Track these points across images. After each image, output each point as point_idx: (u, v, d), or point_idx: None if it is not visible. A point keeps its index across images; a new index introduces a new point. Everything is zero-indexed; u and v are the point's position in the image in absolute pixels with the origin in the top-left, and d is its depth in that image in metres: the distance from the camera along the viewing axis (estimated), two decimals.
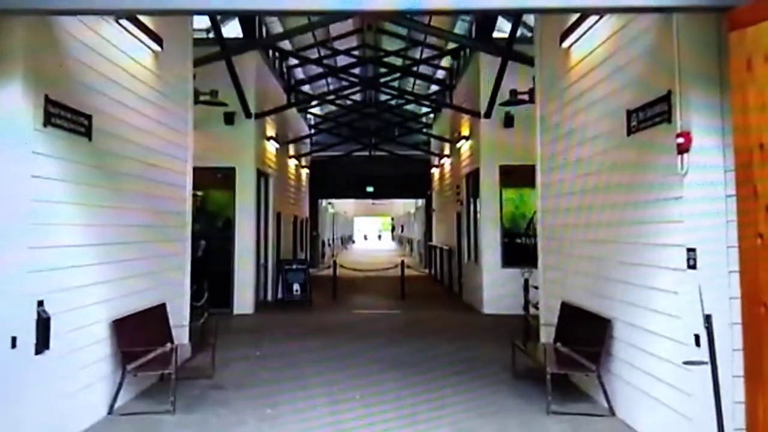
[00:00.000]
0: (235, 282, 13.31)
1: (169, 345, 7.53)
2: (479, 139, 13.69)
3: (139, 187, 7.17)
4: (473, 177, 14.80)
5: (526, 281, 10.22)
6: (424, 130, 24.01)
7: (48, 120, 5.14)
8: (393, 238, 71.13)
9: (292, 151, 19.50)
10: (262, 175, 14.90)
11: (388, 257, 36.76)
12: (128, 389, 6.63)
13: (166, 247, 8.04)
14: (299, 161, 21.26)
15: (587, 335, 6.62)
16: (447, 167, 19.56)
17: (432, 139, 24.28)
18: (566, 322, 7.41)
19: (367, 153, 24.96)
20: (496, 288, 13.15)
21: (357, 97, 23.50)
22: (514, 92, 10.04)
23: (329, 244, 36.35)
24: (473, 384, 7.46)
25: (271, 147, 15.77)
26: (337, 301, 15.56)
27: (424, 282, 20.06)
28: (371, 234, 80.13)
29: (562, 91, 8.02)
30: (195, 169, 13.72)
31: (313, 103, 22.76)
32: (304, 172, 23.20)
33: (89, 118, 5.90)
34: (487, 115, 13.42)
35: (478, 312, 13.39)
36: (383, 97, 24.65)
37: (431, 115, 23.88)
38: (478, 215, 14.26)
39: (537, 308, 9.93)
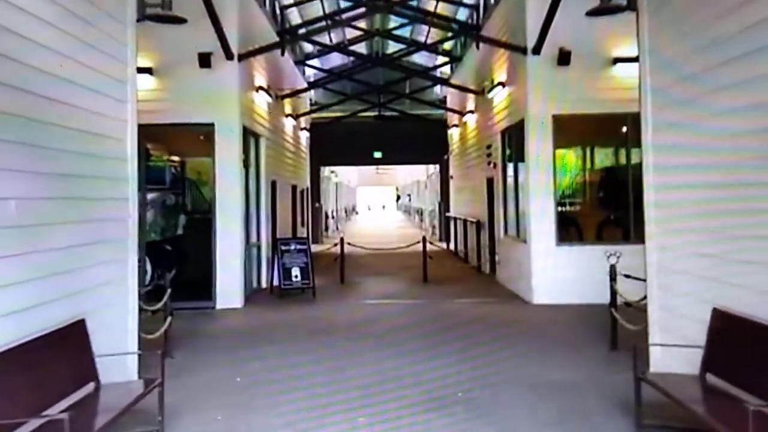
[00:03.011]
0: (217, 268, 10.48)
1: (92, 385, 4.76)
2: (525, 83, 10.71)
3: (27, 133, 4.29)
4: (514, 132, 11.86)
5: (613, 268, 7.36)
6: (441, 85, 20.93)
7: None
8: (398, 209, 68.33)
9: (288, 109, 16.54)
10: (250, 134, 11.99)
11: (398, 230, 34.00)
12: None
13: (88, 229, 5.18)
14: (297, 121, 18.29)
15: None
16: (472, 125, 16.59)
17: (448, 97, 21.28)
18: (732, 346, 4.57)
19: (374, 113, 21.97)
20: (550, 271, 10.33)
21: (362, 49, 20.42)
22: None
23: (333, 216, 33.54)
24: None
25: (262, 100, 12.83)
26: (345, 286, 12.77)
27: (444, 259, 17.17)
28: (375, 204, 77.27)
29: None
30: (166, 127, 10.82)
31: (310, 48, 19.66)
32: (304, 135, 20.23)
33: None
34: (536, 50, 10.42)
35: (525, 302, 10.57)
36: (392, 48, 21.57)
37: (448, 69, 20.81)
38: (522, 180, 11.38)
39: (629, 305, 7.15)
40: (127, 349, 5.85)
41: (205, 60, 10.45)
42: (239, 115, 10.72)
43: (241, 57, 10.81)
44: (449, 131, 21.09)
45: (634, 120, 10.69)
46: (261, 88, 12.45)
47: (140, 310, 6.78)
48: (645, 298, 6.21)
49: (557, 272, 10.28)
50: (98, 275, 5.33)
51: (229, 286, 10.43)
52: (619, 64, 10.43)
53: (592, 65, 10.50)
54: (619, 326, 7.20)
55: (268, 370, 6.67)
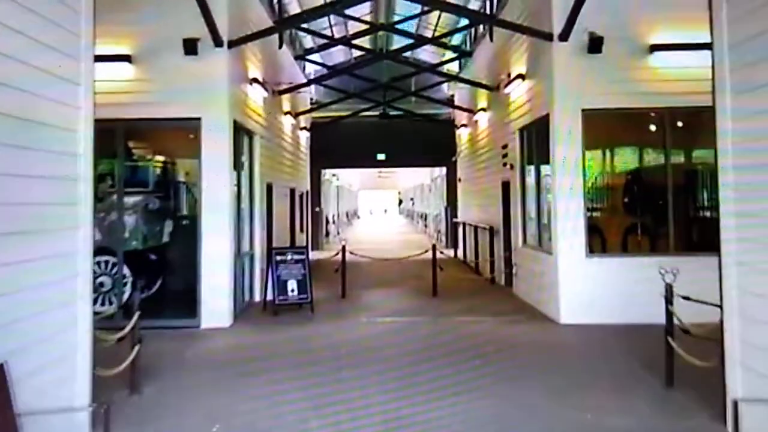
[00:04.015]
0: (202, 282, 9.27)
1: None
2: (550, 74, 9.51)
3: None
4: (536, 130, 10.65)
5: (669, 288, 6.15)
6: (450, 82, 19.70)
7: None
8: (400, 213, 67.14)
9: (287, 106, 15.35)
10: (243, 131, 10.80)
11: (401, 236, 32.84)
12: None
13: (17, 242, 3.99)
14: (297, 120, 17.11)
15: None
16: (483, 124, 15.40)
17: (456, 96, 20.11)
18: None
19: (377, 112, 20.73)
20: (579, 286, 9.13)
21: (366, 44, 19.17)
22: None
23: (334, 221, 32.34)
24: None
25: (257, 95, 11.63)
26: (347, 300, 11.54)
27: (452, 268, 15.90)
28: (377, 209, 76.07)
29: None
30: (147, 122, 9.74)
31: (310, 44, 18.48)
32: (304, 135, 19.04)
33: None
34: (564, 36, 9.23)
35: (551, 320, 9.36)
36: (397, 45, 20.37)
37: (456, 66, 19.59)
38: (546, 183, 10.20)
39: (687, 332, 5.96)
40: (73, 395, 4.66)
41: (190, 46, 9.28)
42: (229, 109, 9.52)
43: (232, 44, 9.62)
44: (457, 131, 19.90)
45: (672, 116, 9.59)
46: (255, 80, 11.25)
47: (110, 326, 5.64)
48: (721, 326, 5.01)
49: (588, 287, 9.09)
50: (30, 302, 4.13)
51: (215, 303, 9.22)
52: (656, 53, 9.24)
53: (626, 53, 9.31)
54: (675, 357, 6.01)
55: (253, 415, 5.45)
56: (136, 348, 6.10)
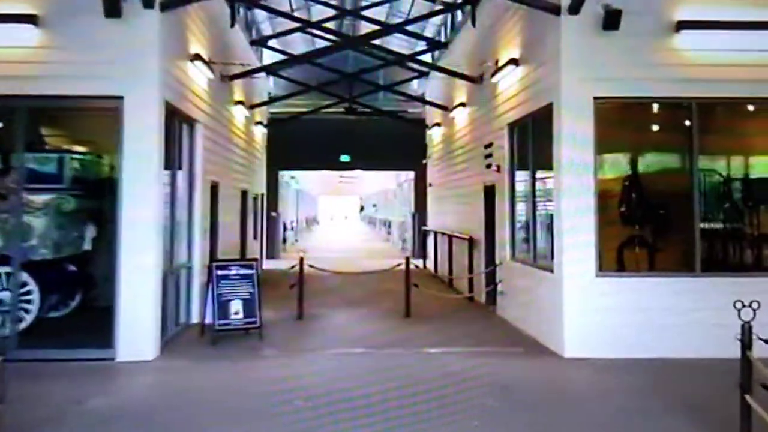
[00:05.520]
0: (120, 302, 7.31)
1: None
2: (557, 55, 7.84)
3: None
4: (532, 124, 9.01)
5: (749, 329, 4.50)
6: (424, 73, 18.02)
7: None
8: (362, 219, 65.38)
9: (239, 95, 13.42)
10: (180, 117, 8.89)
11: (364, 243, 31.16)
12: None
13: None
14: (251, 114, 15.17)
15: None
16: (462, 121, 13.72)
17: (428, 93, 18.47)
18: None
19: (342, 109, 18.91)
20: (589, 312, 7.49)
21: (331, 25, 17.30)
22: None
23: (292, 228, 30.36)
24: None
25: (200, 76, 9.72)
26: (304, 323, 9.69)
27: (423, 281, 14.08)
28: (338, 215, 74.09)
29: None
30: (55, 100, 7.46)
31: (269, 31, 16.57)
32: (259, 131, 17.09)
33: None
34: (574, 9, 7.61)
35: (553, 353, 7.69)
36: (364, 29, 18.53)
37: (429, 57, 17.90)
38: (544, 186, 8.58)
39: None
40: None
41: (112, 6, 7.33)
42: (159, 87, 7.60)
43: (165, 6, 7.70)
44: (428, 132, 18.22)
45: (701, 108, 8.05)
46: (198, 57, 9.34)
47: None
48: None
49: (599, 313, 7.47)
50: None
51: (137, 329, 7.27)
52: (684, 31, 7.66)
53: (648, 31, 7.75)
54: (753, 416, 4.40)
55: None
56: None
